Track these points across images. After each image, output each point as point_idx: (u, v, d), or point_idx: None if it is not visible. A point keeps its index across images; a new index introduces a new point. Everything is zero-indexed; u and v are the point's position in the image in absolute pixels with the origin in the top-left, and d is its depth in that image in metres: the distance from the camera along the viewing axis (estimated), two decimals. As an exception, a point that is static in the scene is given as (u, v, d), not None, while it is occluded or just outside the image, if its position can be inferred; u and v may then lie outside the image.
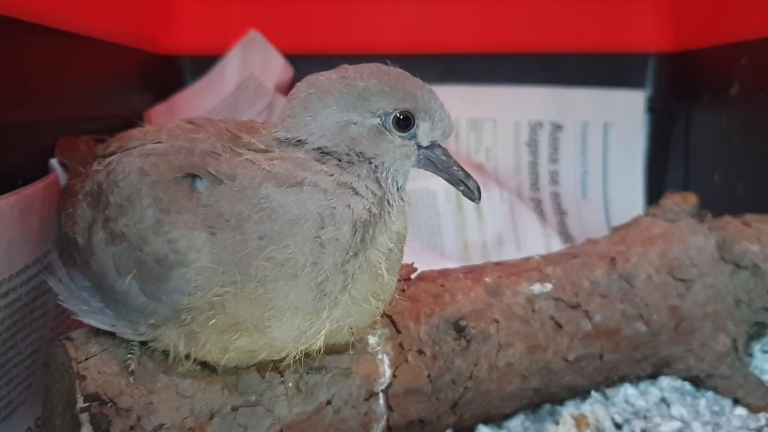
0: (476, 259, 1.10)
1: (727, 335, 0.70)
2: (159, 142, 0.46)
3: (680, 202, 0.75)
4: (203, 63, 1.18)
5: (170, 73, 1.18)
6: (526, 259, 0.67)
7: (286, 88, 1.18)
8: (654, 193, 1.21)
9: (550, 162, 1.20)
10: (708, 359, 0.69)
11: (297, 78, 1.18)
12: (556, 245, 1.08)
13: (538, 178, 1.19)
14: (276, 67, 1.18)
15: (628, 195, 1.19)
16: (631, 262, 0.67)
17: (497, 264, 0.66)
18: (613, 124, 1.21)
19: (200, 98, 1.16)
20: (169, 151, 0.45)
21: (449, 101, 1.32)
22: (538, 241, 1.10)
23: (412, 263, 0.63)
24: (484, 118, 1.20)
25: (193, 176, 0.44)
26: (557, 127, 1.20)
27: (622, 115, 1.21)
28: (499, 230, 1.11)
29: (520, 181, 1.19)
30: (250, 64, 1.18)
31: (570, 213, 1.18)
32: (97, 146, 0.60)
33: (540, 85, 1.20)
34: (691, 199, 0.76)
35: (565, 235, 1.14)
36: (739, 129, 1.03)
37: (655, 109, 1.21)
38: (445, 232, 1.12)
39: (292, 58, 1.18)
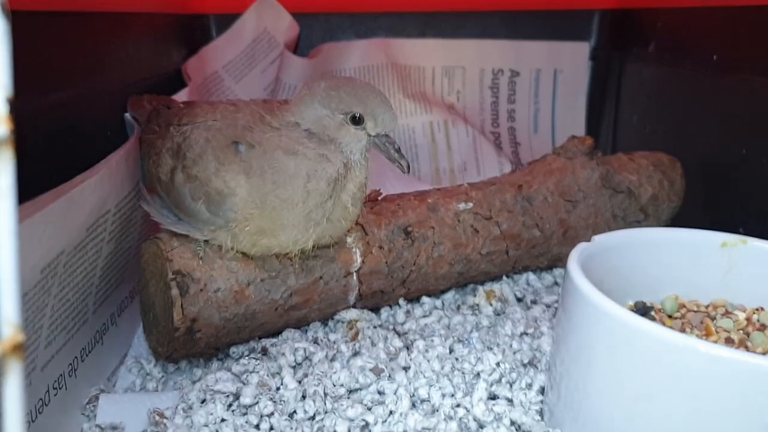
0: (445, 182, 1.36)
1: (603, 239, 0.98)
2: (216, 120, 0.72)
3: (579, 144, 1.01)
4: (226, 20, 1.39)
5: (199, 30, 1.39)
6: (459, 186, 0.94)
7: (293, 44, 1.42)
8: (593, 127, 1.45)
9: (508, 102, 1.44)
10: (588, 255, 0.97)
11: (302, 32, 1.43)
12: (508, 171, 1.35)
13: (498, 115, 1.44)
14: (285, 23, 1.41)
15: (572, 129, 1.42)
16: (534, 188, 0.95)
17: (438, 189, 0.93)
18: (561, 71, 1.43)
19: (224, 50, 1.37)
20: (222, 127, 0.71)
21: (428, 51, 1.62)
22: (494, 167, 1.36)
23: (379, 189, 0.91)
24: (455, 65, 1.43)
25: (237, 143, 0.70)
26: (515, 74, 1.43)
27: (569, 63, 1.43)
28: (465, 159, 1.37)
29: (484, 118, 1.43)
30: (264, 21, 1.39)
31: (523, 144, 1.43)
32: (162, 108, 0.87)
33: (501, 38, 1.42)
34: (588, 141, 1.02)
35: (517, 162, 1.40)
36: (652, 81, 1.25)
37: (596, 57, 1.42)
38: (421, 160, 1.37)
39: (297, 16, 1.41)
